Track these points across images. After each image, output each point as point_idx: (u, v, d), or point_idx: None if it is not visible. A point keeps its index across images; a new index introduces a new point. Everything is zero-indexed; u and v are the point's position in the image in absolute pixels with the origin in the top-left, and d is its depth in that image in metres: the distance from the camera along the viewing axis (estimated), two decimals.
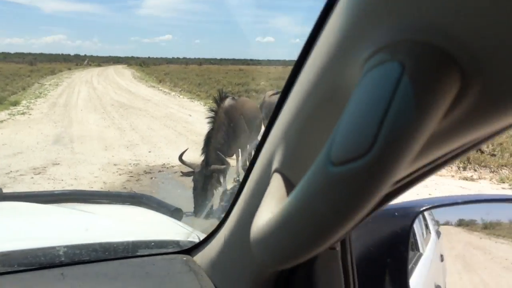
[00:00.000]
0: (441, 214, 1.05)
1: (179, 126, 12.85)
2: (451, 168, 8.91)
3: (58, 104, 18.23)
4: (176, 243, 1.02)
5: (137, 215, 1.51)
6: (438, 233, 1.10)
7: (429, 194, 7.15)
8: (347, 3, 0.38)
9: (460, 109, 0.34)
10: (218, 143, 6.37)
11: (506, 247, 0.94)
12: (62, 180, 7.21)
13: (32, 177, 7.30)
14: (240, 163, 7.44)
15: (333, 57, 0.41)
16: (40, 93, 22.87)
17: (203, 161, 6.50)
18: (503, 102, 0.33)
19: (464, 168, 8.81)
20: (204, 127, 7.11)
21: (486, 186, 7.76)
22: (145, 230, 1.18)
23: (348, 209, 0.34)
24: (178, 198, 5.88)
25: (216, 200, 6.47)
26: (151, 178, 7.60)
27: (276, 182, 0.52)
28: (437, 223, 1.09)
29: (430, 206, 0.86)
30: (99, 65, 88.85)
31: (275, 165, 0.54)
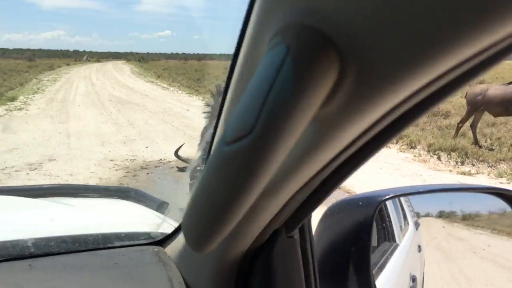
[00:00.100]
0: (422, 205, 1.05)
1: (177, 121, 12.82)
2: (449, 163, 8.90)
3: (56, 99, 18.18)
4: (147, 234, 1.02)
5: (119, 208, 1.50)
6: (417, 224, 1.11)
7: None
8: None
9: (343, 92, 0.35)
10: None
11: (485, 237, 0.94)
12: (58, 176, 7.18)
13: (28, 173, 7.27)
14: None
15: (251, 41, 0.43)
16: (38, 89, 22.82)
17: (200, 156, 6.35)
18: (380, 86, 0.34)
19: (462, 163, 8.80)
20: (202, 122, 7.10)
21: (484, 180, 7.75)
22: (120, 223, 1.18)
23: (238, 186, 0.35)
24: (174, 193, 5.86)
25: None
26: (148, 173, 7.58)
27: None
28: (417, 215, 1.09)
29: (392, 195, 0.86)
30: (98, 61, 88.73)
31: None
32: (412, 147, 10.05)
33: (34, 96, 19.23)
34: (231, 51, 0.50)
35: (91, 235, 0.98)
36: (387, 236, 1.06)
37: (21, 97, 18.43)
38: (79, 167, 7.71)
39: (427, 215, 1.04)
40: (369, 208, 0.81)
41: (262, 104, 0.33)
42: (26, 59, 60.85)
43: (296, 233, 0.62)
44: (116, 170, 7.71)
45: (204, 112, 6.78)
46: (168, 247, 0.94)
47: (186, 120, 12.95)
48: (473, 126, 9.85)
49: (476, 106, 9.68)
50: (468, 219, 0.96)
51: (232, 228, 0.40)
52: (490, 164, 8.55)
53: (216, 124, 0.60)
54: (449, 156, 9.12)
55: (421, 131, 11.27)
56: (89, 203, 1.63)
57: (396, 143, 10.46)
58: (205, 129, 6.44)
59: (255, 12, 0.40)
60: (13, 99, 17.49)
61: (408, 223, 1.13)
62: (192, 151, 6.70)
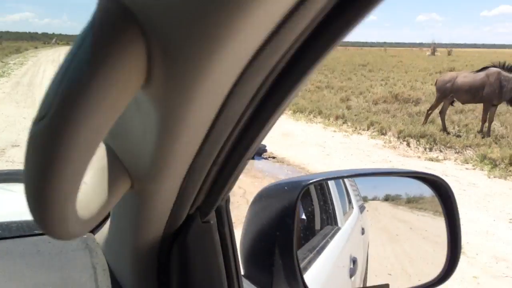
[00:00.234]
0: (370, 189, 1.09)
1: None
2: (418, 149, 9.05)
3: (22, 83, 17.61)
4: None
5: None
6: (362, 208, 1.15)
7: None
8: None
9: (159, 69, 0.34)
10: None
11: (427, 219, 0.96)
12: (22, 162, 6.94)
13: None
14: None
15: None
16: (4, 72, 22.03)
17: None
18: (189, 63, 0.34)
19: (431, 149, 8.96)
20: None
21: (451, 166, 7.92)
22: None
23: (40, 168, 0.35)
24: None
25: None
26: None
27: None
28: (363, 198, 1.12)
29: (317, 180, 0.88)
30: (67, 44, 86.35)
31: None
32: (382, 134, 10.17)
33: None
34: None
35: (14, 222, 0.94)
36: (330, 220, 1.09)
37: None
38: None
39: (374, 198, 1.07)
40: (293, 193, 0.82)
41: (59, 83, 0.32)
42: None
43: (212, 218, 0.60)
44: None
45: None
46: (98, 233, 0.90)
47: None
48: (442, 113, 10.03)
49: (445, 93, 9.83)
50: (413, 202, 0.98)
51: (64, 210, 0.39)
52: (457, 151, 8.73)
53: None
54: (418, 142, 9.27)
55: (392, 117, 11.42)
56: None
57: (368, 129, 10.58)
58: None
59: None
60: None
61: (352, 207, 1.17)
62: None
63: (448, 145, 8.95)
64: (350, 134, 10.52)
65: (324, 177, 0.91)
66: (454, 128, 10.36)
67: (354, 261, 1.04)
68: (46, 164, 0.34)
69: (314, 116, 12.42)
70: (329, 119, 11.88)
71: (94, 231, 0.92)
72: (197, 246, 0.59)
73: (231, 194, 0.84)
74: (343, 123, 11.43)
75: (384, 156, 8.53)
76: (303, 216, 0.99)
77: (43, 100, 0.34)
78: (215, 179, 0.52)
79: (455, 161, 8.28)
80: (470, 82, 9.54)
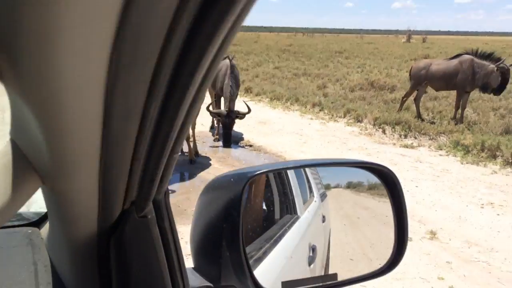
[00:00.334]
0: (332, 178, 1.11)
1: None
2: (393, 136, 9.15)
3: None
4: (19, 215, 0.95)
5: None
6: (323, 196, 1.16)
7: None
8: None
9: (6, 70, 0.35)
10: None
11: (388, 205, 0.98)
12: None
13: None
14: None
15: None
16: None
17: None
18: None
19: (405, 136, 9.07)
20: None
21: (425, 153, 8.03)
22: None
23: None
24: None
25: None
26: None
27: None
28: (325, 186, 1.15)
29: (262, 171, 0.88)
30: None
31: None
32: (359, 121, 10.24)
33: None
34: None
35: None
36: (289, 209, 1.11)
37: None
38: None
39: (337, 186, 1.10)
40: (239, 185, 0.82)
41: None
42: None
43: (150, 213, 0.59)
44: None
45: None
46: (43, 229, 0.87)
47: None
48: (416, 100, 10.14)
49: (420, 81, 9.94)
50: (373, 189, 1.00)
51: None
52: (431, 137, 8.86)
53: None
54: (393, 129, 9.37)
55: (368, 105, 11.51)
56: None
57: (344, 117, 10.64)
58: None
59: None
60: None
61: (313, 195, 1.19)
62: None
63: (423, 131, 9.08)
64: (327, 121, 10.56)
65: (269, 169, 0.91)
66: (428, 115, 10.51)
67: (313, 249, 1.06)
68: None
69: (291, 104, 12.42)
70: (306, 107, 11.89)
71: (40, 225, 0.90)
72: (135, 241, 0.58)
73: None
74: (320, 110, 11.46)
75: (360, 143, 8.59)
76: (264, 207, 1.00)
77: None
78: (142, 174, 0.51)
79: (429, 147, 8.40)
80: (444, 69, 9.65)
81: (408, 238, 0.98)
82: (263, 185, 1.01)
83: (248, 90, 14.40)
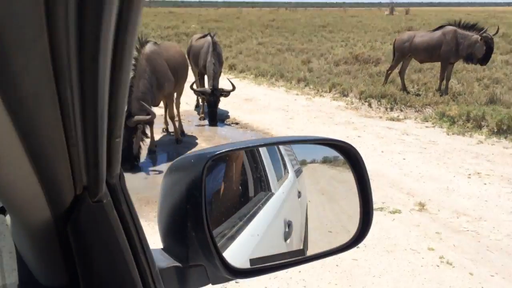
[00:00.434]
0: (308, 153, 1.13)
1: None
2: (379, 109, 9.15)
3: None
4: None
5: None
6: (298, 172, 1.19)
7: (358, 136, 7.30)
8: None
9: None
10: (140, 92, 5.93)
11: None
12: None
13: None
14: (168, 113, 7.12)
15: None
16: None
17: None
18: None
19: (392, 109, 9.07)
20: None
21: (411, 125, 8.06)
22: None
23: None
24: None
25: (144, 153, 6.23)
26: None
27: None
28: (300, 162, 1.17)
29: (221, 151, 0.88)
30: None
31: None
32: (344, 95, 10.20)
33: None
34: None
35: None
36: (263, 186, 1.14)
37: None
38: None
39: (313, 161, 1.14)
40: (199, 166, 0.82)
41: None
42: None
43: (105, 197, 0.59)
44: None
45: None
46: (9, 216, 0.83)
47: None
48: (401, 73, 10.13)
49: (404, 53, 9.90)
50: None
51: None
52: (417, 109, 8.88)
53: None
54: (379, 103, 9.36)
55: (353, 78, 11.46)
56: None
57: (330, 91, 10.58)
58: (129, 83, 6.38)
59: None
60: None
61: (288, 172, 1.21)
62: None
63: (408, 104, 9.09)
64: (313, 96, 10.50)
65: (228, 149, 0.91)
66: (413, 87, 10.51)
67: (289, 225, 1.08)
68: None
69: (276, 80, 12.31)
70: (291, 82, 11.80)
71: (5, 212, 0.85)
72: (92, 225, 0.59)
73: None
74: (305, 86, 11.39)
75: (346, 118, 8.58)
76: (240, 186, 1.02)
77: None
78: (85, 159, 0.50)
79: (415, 119, 8.42)
80: (427, 41, 9.61)
81: (374, 212, 1.00)
82: (240, 163, 1.01)
83: (232, 67, 14.23)
